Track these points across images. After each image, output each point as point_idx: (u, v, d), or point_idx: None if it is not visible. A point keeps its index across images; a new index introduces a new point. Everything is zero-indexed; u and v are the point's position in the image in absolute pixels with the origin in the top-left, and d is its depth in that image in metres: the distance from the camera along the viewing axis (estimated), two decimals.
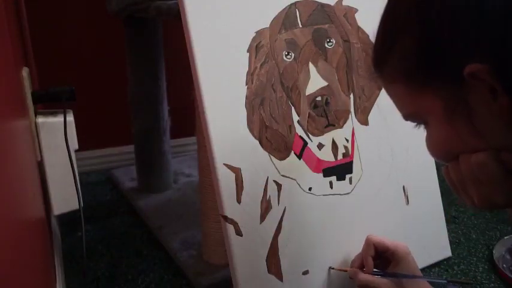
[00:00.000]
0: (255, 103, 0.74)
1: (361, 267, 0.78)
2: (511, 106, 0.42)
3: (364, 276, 0.75)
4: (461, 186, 0.50)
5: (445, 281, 0.75)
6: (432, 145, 0.51)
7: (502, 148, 0.46)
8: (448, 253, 0.97)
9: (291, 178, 0.77)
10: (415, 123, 0.52)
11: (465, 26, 0.43)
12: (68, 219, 1.13)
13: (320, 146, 0.80)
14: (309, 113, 0.79)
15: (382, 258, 0.77)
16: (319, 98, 0.79)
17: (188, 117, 0.94)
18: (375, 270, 0.75)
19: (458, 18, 0.43)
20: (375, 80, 0.52)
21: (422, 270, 0.93)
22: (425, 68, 0.47)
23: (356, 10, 0.85)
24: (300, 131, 0.78)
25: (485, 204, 0.49)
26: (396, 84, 0.50)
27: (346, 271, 0.80)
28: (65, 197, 0.83)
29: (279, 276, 0.76)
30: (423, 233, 0.92)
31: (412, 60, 0.47)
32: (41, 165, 0.82)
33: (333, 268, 0.81)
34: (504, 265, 0.93)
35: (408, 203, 0.91)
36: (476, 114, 0.45)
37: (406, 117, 0.52)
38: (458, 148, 0.48)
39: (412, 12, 0.47)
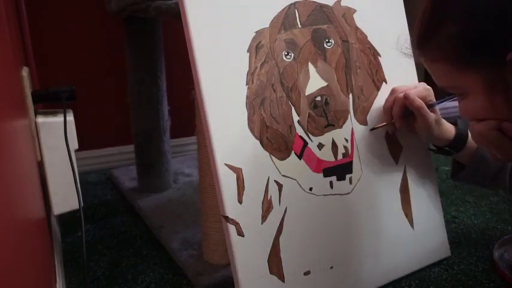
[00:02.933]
0: (255, 103, 0.74)
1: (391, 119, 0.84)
2: None
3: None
4: (476, 141, 0.66)
5: None
6: (467, 111, 0.62)
7: None
8: (447, 253, 0.97)
9: (292, 178, 0.78)
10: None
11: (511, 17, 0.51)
12: (68, 219, 1.13)
13: (320, 146, 0.80)
14: (308, 113, 0.79)
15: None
16: (318, 98, 0.79)
17: (188, 117, 0.94)
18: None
19: (506, 9, 0.51)
20: (418, 57, 0.62)
21: (422, 270, 0.93)
22: (469, 51, 0.55)
23: (354, 10, 0.85)
24: (300, 131, 0.78)
25: (494, 159, 0.65)
26: (439, 63, 0.59)
27: (386, 125, 0.85)
28: (65, 196, 0.83)
29: (281, 276, 0.76)
30: (423, 232, 0.92)
31: (457, 44, 0.55)
32: (41, 165, 0.82)
33: (373, 128, 0.85)
34: (504, 265, 0.93)
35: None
36: None
37: (445, 89, 0.62)
38: (489, 116, 0.59)
39: (457, 1, 0.55)
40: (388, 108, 0.85)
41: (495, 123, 0.60)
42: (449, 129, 0.84)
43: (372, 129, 0.86)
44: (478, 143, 0.66)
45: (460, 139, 0.83)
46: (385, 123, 0.85)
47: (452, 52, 0.56)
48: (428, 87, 0.83)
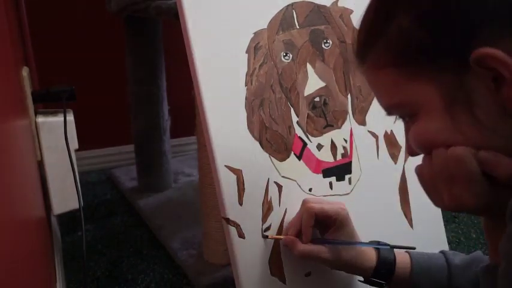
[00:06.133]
0: (254, 104, 0.75)
1: (297, 234, 0.70)
2: None
3: (303, 247, 0.68)
4: (431, 183, 0.48)
5: (388, 247, 0.71)
6: (419, 135, 0.47)
7: (506, 142, 0.42)
8: None
9: (292, 179, 0.78)
10: (397, 116, 0.49)
11: (478, 2, 0.40)
12: (68, 219, 1.13)
13: (319, 146, 0.80)
14: (307, 114, 0.79)
15: (320, 223, 0.70)
16: (317, 99, 0.80)
17: (188, 117, 0.94)
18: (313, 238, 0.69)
19: None
20: (359, 68, 0.50)
21: None
22: (422, 51, 0.42)
23: (351, 11, 0.85)
24: (299, 131, 0.78)
25: (454, 204, 0.46)
26: (383, 72, 0.46)
27: (281, 239, 0.72)
28: (65, 196, 0.83)
29: (282, 278, 0.76)
30: (422, 232, 0.93)
31: (407, 43, 0.43)
32: (41, 165, 0.82)
33: (266, 236, 0.72)
34: None
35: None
36: (478, 104, 0.41)
37: (391, 108, 0.48)
38: (452, 139, 0.44)
39: None
40: (297, 218, 0.71)
41: (474, 151, 0.43)
42: (368, 253, 0.70)
43: (265, 238, 0.72)
44: (435, 178, 0.47)
45: (384, 264, 0.69)
46: (281, 237, 0.72)
47: (399, 54, 0.44)
48: (344, 208, 0.69)
